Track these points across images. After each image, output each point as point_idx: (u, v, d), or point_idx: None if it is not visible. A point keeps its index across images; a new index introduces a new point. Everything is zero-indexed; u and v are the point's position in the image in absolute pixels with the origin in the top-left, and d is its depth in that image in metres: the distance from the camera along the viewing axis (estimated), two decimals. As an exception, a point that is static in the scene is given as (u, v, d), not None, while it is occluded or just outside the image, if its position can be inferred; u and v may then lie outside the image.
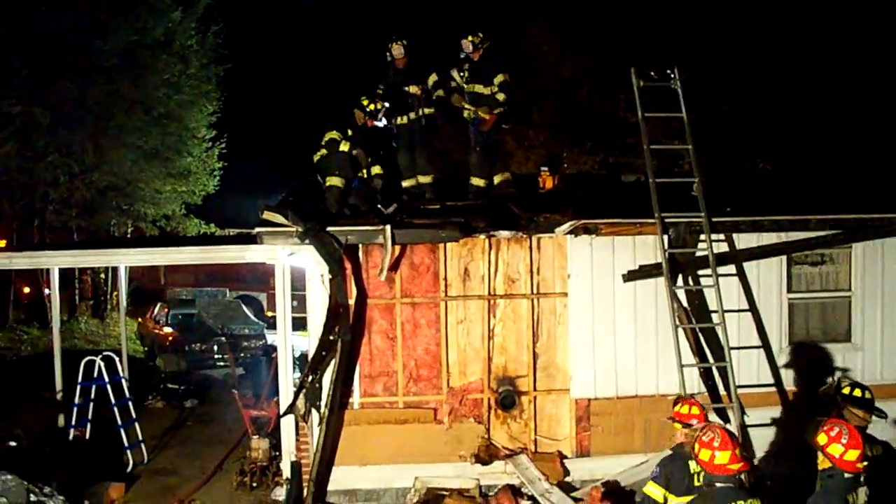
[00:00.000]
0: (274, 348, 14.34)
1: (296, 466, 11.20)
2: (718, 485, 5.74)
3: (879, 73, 23.75)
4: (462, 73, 12.75)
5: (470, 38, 12.55)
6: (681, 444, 7.81)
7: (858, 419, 7.47)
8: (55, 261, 14.06)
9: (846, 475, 5.96)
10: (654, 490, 7.61)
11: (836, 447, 5.97)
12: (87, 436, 13.35)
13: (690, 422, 7.81)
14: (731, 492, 5.69)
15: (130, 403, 13.95)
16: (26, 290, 29.56)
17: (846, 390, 7.85)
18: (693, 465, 7.46)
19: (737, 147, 25.41)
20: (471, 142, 12.93)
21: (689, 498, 7.45)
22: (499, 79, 12.57)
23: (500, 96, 12.60)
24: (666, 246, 10.75)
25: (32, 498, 10.21)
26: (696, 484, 7.48)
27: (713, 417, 9.59)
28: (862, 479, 6.02)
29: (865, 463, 6.00)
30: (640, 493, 8.16)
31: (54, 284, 14.80)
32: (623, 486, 10.73)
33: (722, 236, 11.51)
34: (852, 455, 5.91)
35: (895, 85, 23.43)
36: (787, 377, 11.78)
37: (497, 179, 12.92)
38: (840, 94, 24.01)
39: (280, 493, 11.53)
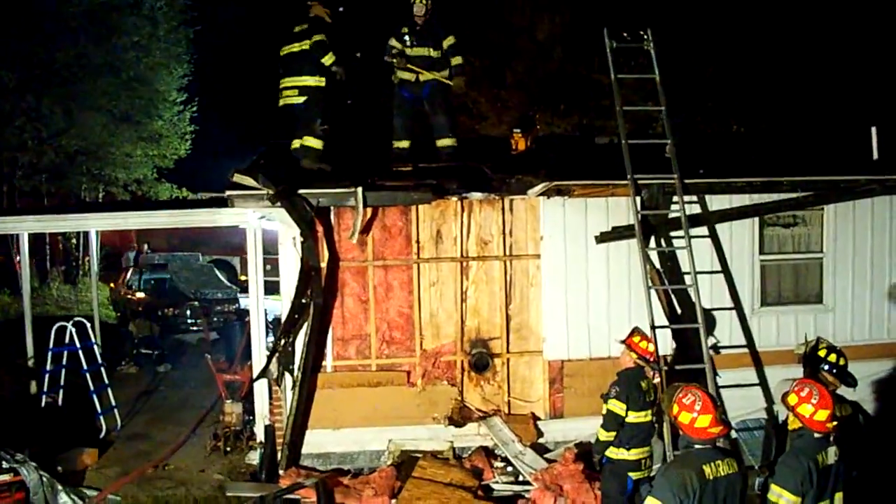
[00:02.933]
0: (247, 312, 14.27)
1: (269, 430, 11.21)
2: (697, 447, 5.73)
3: (852, 36, 23.75)
4: (404, 39, 12.42)
5: (422, 0, 12.34)
6: (628, 369, 8.73)
7: (828, 383, 7.52)
8: (24, 226, 13.88)
9: (816, 435, 6.00)
10: (617, 406, 8.41)
11: (806, 407, 6.01)
12: (60, 402, 13.30)
13: (638, 351, 8.72)
14: (708, 453, 5.69)
15: (103, 369, 13.90)
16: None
17: (822, 353, 7.90)
18: (643, 385, 8.57)
19: (711, 109, 25.40)
20: (405, 105, 12.68)
21: (643, 412, 8.49)
22: (449, 41, 12.40)
23: (457, 59, 12.45)
24: (639, 207, 10.72)
25: (4, 465, 10.13)
26: (648, 399, 8.58)
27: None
28: (832, 438, 6.04)
29: (835, 423, 6.04)
30: (604, 408, 8.54)
31: (24, 250, 14.62)
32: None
33: (695, 198, 11.52)
34: (822, 415, 5.96)
35: (867, 48, 23.46)
36: (759, 338, 11.86)
37: (444, 143, 12.70)
38: (813, 57, 24.00)
39: (254, 456, 11.53)
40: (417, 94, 12.49)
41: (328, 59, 11.74)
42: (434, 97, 12.50)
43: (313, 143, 11.77)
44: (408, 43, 12.36)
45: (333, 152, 12.18)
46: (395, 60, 12.36)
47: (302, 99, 11.89)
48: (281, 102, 12.09)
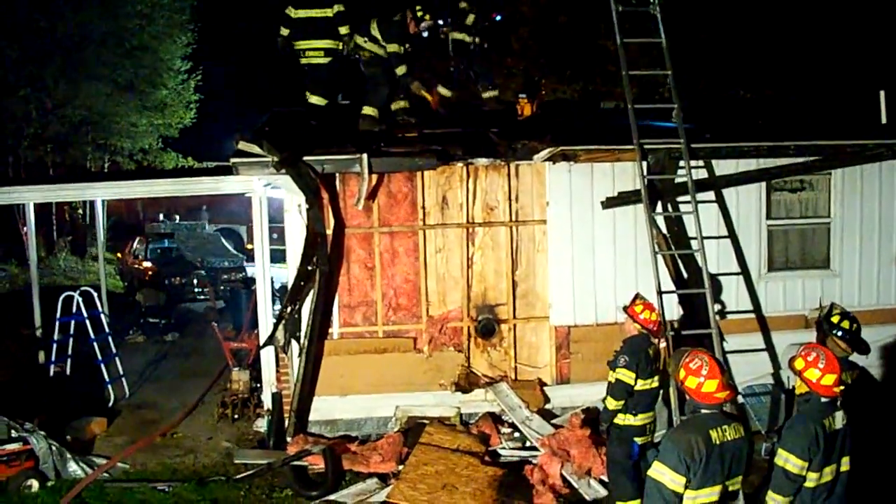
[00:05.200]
0: (254, 280, 14.29)
1: (277, 397, 11.21)
2: (703, 411, 5.72)
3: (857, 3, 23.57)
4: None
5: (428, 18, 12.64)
6: (634, 337, 8.66)
7: (840, 350, 7.47)
8: (30, 196, 13.91)
9: (823, 399, 5.98)
10: (627, 375, 8.32)
11: (812, 372, 5.99)
12: (68, 371, 13.35)
13: (639, 321, 8.62)
14: (715, 418, 5.68)
15: (110, 338, 13.95)
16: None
17: (835, 319, 7.81)
18: (650, 352, 8.54)
19: (717, 74, 25.25)
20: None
21: (650, 380, 8.48)
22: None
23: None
24: (645, 172, 10.64)
25: (14, 434, 10.19)
26: (655, 366, 8.56)
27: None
28: (838, 403, 6.03)
29: (842, 387, 6.02)
30: (612, 377, 8.46)
31: (30, 220, 14.65)
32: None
33: (701, 163, 11.45)
34: (829, 380, 5.93)
35: (875, 12, 23.27)
36: (766, 303, 11.84)
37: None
38: (821, 21, 23.81)
39: (261, 424, 11.55)
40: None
41: (344, 29, 12.20)
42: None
43: (371, 111, 12.13)
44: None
45: (339, 119, 12.21)
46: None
47: (327, 59, 12.35)
48: (304, 62, 12.48)
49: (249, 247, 28.25)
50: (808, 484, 5.90)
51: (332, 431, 11.22)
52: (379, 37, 12.24)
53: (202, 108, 32.86)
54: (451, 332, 11.60)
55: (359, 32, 12.31)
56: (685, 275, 11.08)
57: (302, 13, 12.34)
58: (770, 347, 11.60)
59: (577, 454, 9.71)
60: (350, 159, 10.87)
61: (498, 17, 13.57)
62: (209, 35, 32.69)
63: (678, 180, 11.07)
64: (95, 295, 14.14)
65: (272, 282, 12.52)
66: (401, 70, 12.28)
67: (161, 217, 31.71)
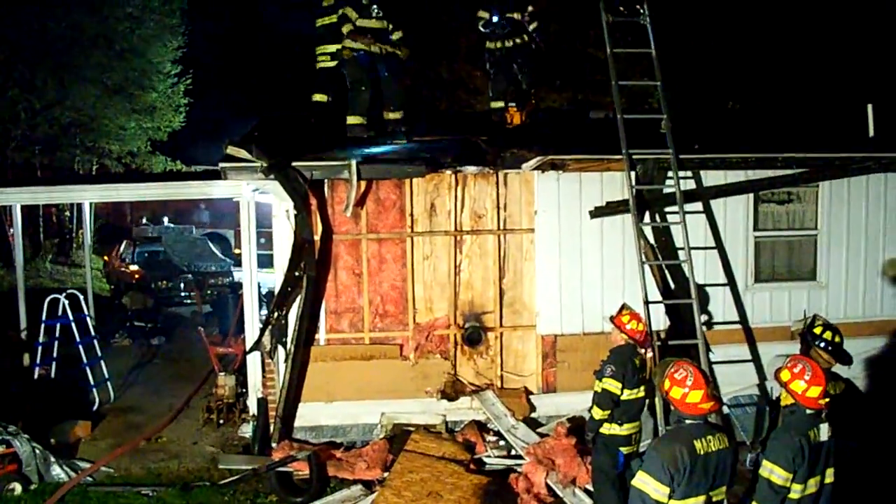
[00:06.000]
0: (241, 285, 14.26)
1: (262, 403, 11.18)
2: (688, 422, 5.72)
3: (848, 12, 23.65)
4: (371, 10, 12.54)
5: None
6: (620, 346, 8.65)
7: (823, 361, 7.51)
8: (17, 198, 13.82)
9: (808, 411, 6.01)
10: (613, 385, 8.33)
11: (798, 384, 6.02)
12: (53, 374, 13.29)
13: (625, 331, 8.62)
14: (699, 428, 5.69)
15: (96, 341, 13.91)
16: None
17: (818, 330, 7.86)
18: (636, 361, 8.54)
19: (707, 85, 25.32)
20: (365, 78, 12.68)
21: (636, 389, 8.49)
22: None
23: (398, 34, 12.78)
24: (633, 182, 10.67)
25: (-3, 436, 10.16)
26: (640, 376, 8.55)
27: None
28: (823, 415, 6.05)
29: (827, 400, 6.04)
30: (598, 386, 8.45)
31: (17, 222, 14.59)
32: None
33: (689, 173, 11.48)
34: (814, 392, 5.96)
35: (863, 25, 23.38)
36: (753, 314, 11.86)
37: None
38: (810, 34, 23.92)
39: (247, 429, 11.53)
40: (375, 69, 12.65)
41: (346, 28, 12.39)
42: (392, 69, 12.74)
43: (356, 119, 12.43)
44: (374, 14, 12.53)
45: (329, 125, 12.25)
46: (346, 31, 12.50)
47: (334, 63, 12.86)
48: (318, 66, 13.07)
49: (237, 251, 28.19)
50: (793, 496, 5.92)
51: (318, 438, 11.20)
52: (356, 16, 12.37)
53: (191, 112, 32.75)
54: (438, 340, 11.60)
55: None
56: (672, 285, 11.11)
57: (319, 22, 12.90)
58: (756, 358, 11.62)
59: (562, 463, 9.69)
60: (339, 165, 10.88)
61: (495, 18, 13.30)
62: (199, 39, 32.60)
63: (666, 191, 11.10)
64: (81, 298, 14.12)
65: (259, 287, 12.50)
66: (346, 29, 12.39)
67: (144, 220, 31.64)
